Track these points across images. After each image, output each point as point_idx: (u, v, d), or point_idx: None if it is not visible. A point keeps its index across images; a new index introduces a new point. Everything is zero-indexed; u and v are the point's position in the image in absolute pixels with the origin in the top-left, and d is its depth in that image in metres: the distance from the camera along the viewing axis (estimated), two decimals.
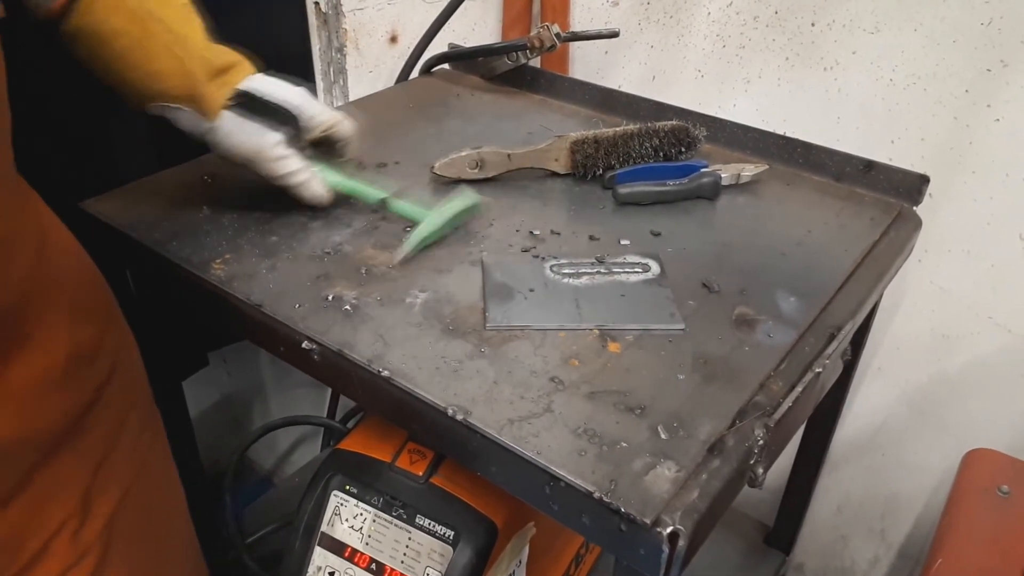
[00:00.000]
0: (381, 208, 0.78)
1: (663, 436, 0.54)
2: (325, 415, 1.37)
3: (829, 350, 0.62)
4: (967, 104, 0.93)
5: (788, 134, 0.93)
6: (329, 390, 1.40)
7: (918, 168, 0.85)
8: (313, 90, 0.80)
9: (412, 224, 0.74)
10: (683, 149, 0.88)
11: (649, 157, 0.86)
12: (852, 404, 1.17)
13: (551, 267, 0.71)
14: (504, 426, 0.54)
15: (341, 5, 1.10)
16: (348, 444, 0.78)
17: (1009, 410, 1.05)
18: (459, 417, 0.55)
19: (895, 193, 0.85)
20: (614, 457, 0.52)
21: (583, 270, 0.71)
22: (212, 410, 1.64)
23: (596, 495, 0.49)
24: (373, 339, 0.62)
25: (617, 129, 0.87)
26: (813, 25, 1.02)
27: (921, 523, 1.22)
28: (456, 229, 0.76)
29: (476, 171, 0.84)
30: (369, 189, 0.78)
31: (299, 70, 1.16)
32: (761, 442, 0.54)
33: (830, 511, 1.31)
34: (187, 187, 0.82)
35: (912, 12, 0.93)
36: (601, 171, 0.86)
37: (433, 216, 0.74)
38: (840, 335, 0.64)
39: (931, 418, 1.14)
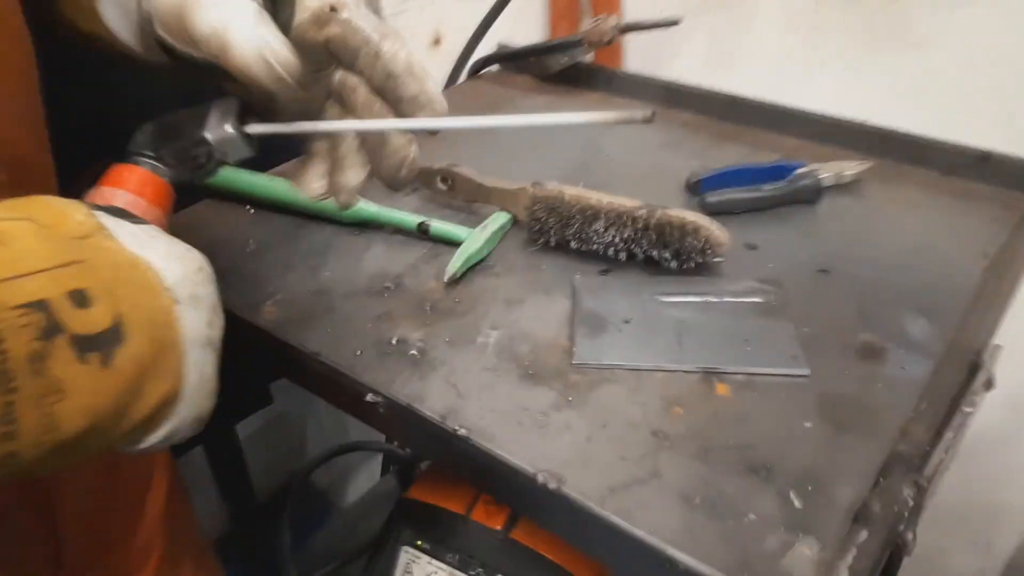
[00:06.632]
0: (423, 234, 0.72)
1: (796, 504, 0.46)
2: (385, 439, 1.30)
3: (976, 384, 0.53)
4: None
5: (869, 123, 0.83)
6: None
7: None
8: None
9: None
10: (682, 257, 0.64)
11: (620, 252, 0.66)
12: None
13: (651, 291, 0.63)
14: (605, 496, 0.46)
15: (381, 9, 1.03)
16: (416, 493, 0.71)
17: None
18: (551, 486, 0.47)
19: (1018, 186, 0.75)
20: (741, 533, 0.44)
21: (689, 297, 0.62)
22: (260, 433, 1.58)
23: None
24: (445, 389, 0.55)
25: (597, 199, 0.66)
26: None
27: None
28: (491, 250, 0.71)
29: (445, 188, 0.76)
30: (406, 215, 0.73)
31: None
32: (911, 504, 0.46)
33: (927, 523, 1.21)
34: (228, 220, 0.76)
35: None
36: (553, 243, 0.69)
37: (476, 233, 0.69)
38: (982, 360, 0.56)
39: None
